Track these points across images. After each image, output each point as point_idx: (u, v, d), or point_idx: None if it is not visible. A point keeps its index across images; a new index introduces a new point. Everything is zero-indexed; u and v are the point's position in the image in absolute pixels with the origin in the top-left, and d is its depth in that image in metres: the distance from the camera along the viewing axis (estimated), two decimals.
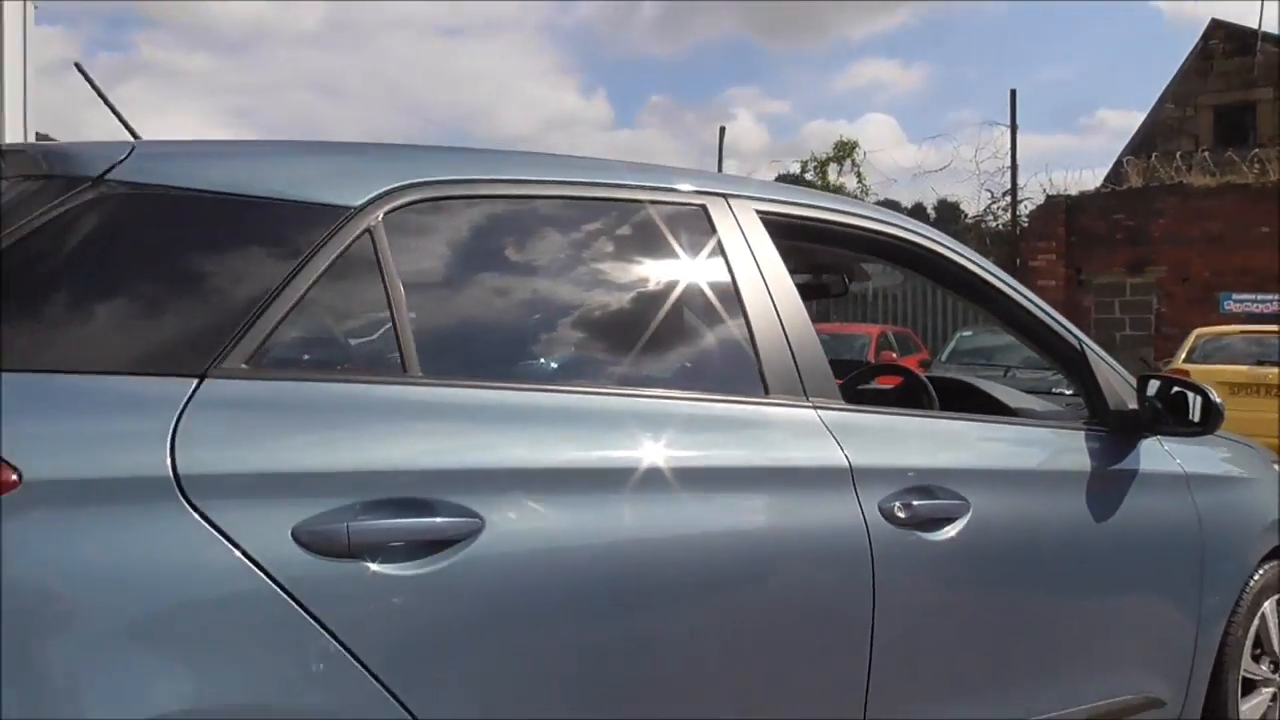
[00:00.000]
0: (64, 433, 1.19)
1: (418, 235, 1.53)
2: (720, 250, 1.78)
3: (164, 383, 1.26)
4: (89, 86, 1.86)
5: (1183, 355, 8.83)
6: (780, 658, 1.67)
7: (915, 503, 1.80)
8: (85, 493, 1.17)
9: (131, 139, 1.68)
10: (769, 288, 1.80)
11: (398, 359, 1.43)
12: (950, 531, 1.85)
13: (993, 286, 2.21)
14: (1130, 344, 13.01)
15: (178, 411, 1.24)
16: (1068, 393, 3.21)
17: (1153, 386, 2.33)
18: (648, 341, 1.70)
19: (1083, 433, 2.24)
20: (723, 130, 17.74)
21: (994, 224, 16.45)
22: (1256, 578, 2.49)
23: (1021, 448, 2.17)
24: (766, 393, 1.74)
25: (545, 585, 1.42)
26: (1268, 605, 2.55)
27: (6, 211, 1.32)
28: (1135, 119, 19.00)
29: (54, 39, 12.06)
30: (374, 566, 1.29)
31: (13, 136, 12.31)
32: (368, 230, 1.45)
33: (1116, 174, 16.11)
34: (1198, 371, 8.31)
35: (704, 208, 1.80)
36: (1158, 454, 2.32)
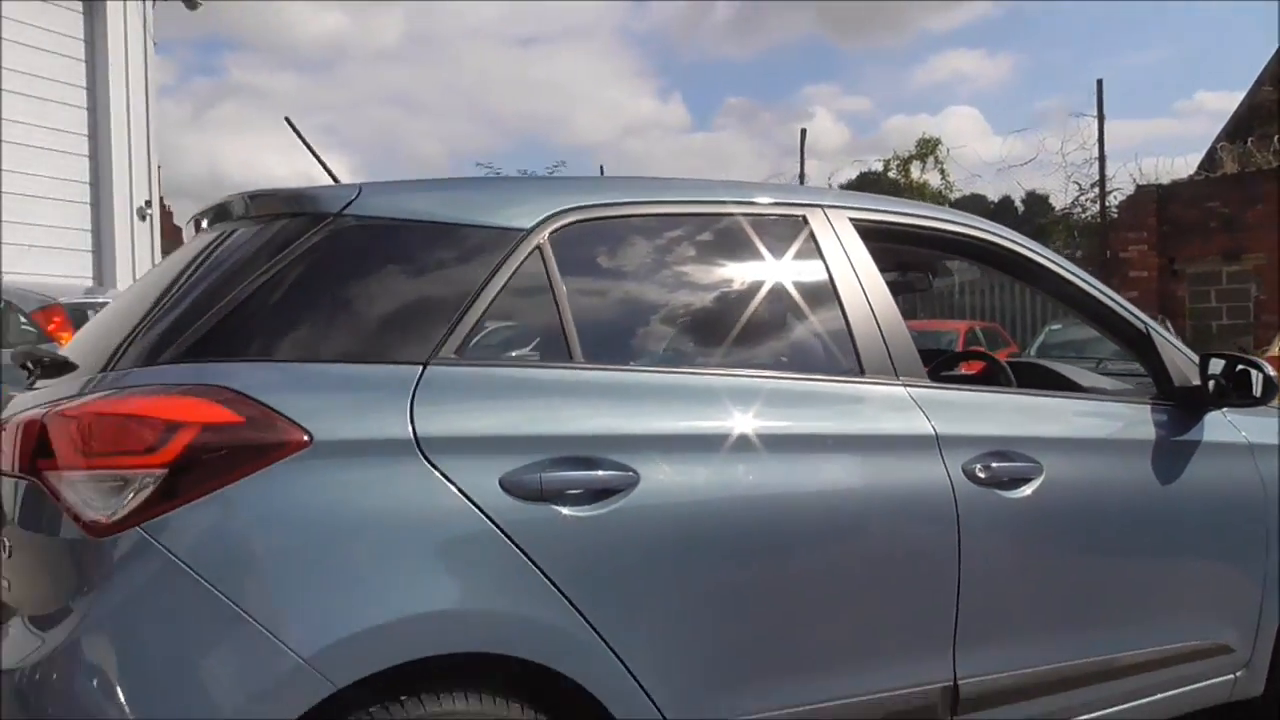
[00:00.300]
0: (336, 406, 1.59)
1: (576, 249, 1.90)
2: (820, 253, 2.11)
3: (400, 369, 1.66)
4: (297, 138, 2.29)
5: (1278, 345, 8.73)
6: (881, 593, 1.99)
7: (994, 465, 2.10)
8: (353, 449, 1.57)
9: (332, 179, 2.10)
10: (862, 284, 2.13)
11: (565, 348, 1.81)
12: (1026, 490, 2.14)
13: (1060, 276, 2.49)
14: (1228, 333, 12.75)
15: (411, 390, 1.64)
16: None
17: (1215, 365, 2.57)
18: (763, 331, 2.05)
19: (1149, 407, 2.50)
20: (804, 133, 17.91)
21: (1083, 215, 16.25)
22: None
23: (1090, 419, 2.44)
24: (862, 373, 2.07)
25: (688, 527, 1.78)
26: None
27: (276, 241, 1.74)
28: (1235, 100, 18.43)
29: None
30: (558, 509, 1.66)
31: (138, 161, 13.21)
32: (538, 247, 1.83)
33: (1211, 161, 15.73)
34: None
35: (804, 218, 2.14)
36: (1222, 425, 2.56)
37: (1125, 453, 2.41)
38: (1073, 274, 2.54)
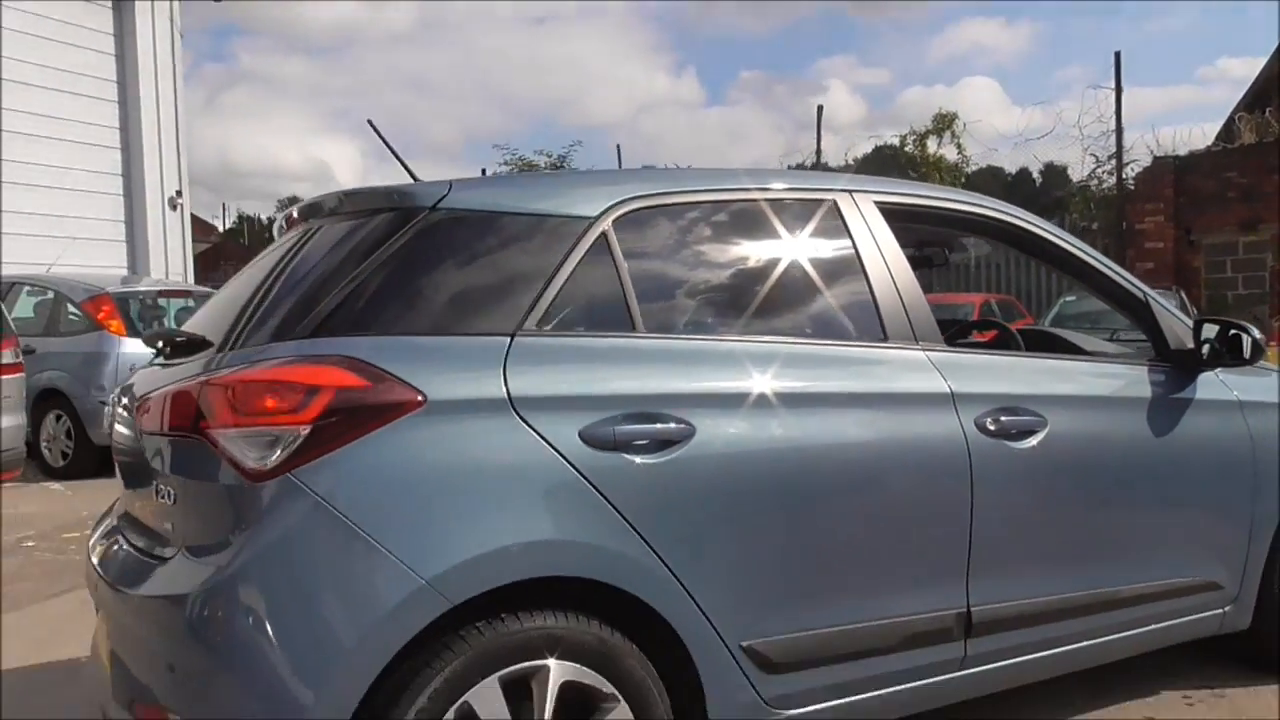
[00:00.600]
0: (443, 372, 1.89)
1: (635, 233, 2.18)
2: (848, 233, 2.39)
3: (492, 340, 1.95)
4: (379, 140, 2.57)
5: None
6: (903, 531, 2.28)
7: (1003, 418, 2.38)
8: (458, 407, 1.87)
9: (412, 178, 2.38)
10: (885, 259, 2.40)
11: (628, 319, 2.09)
12: (1032, 441, 2.42)
13: (1065, 250, 2.76)
14: (1243, 303, 12.90)
15: (503, 357, 1.93)
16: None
17: (1209, 330, 2.83)
18: (797, 302, 2.32)
19: (1147, 368, 2.77)
20: (820, 109, 18.12)
21: (1100, 188, 16.35)
22: None
23: (1091, 378, 2.71)
24: (886, 338, 2.35)
25: (737, 472, 2.07)
26: None
27: (380, 232, 2.03)
28: (1258, 66, 18.39)
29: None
30: (629, 457, 1.96)
31: (168, 152, 13.51)
32: (603, 233, 2.12)
33: (1229, 131, 15.79)
34: None
35: (835, 202, 2.42)
36: (1214, 384, 2.82)
37: (1124, 408, 2.68)
38: (1077, 248, 2.81)
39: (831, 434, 2.19)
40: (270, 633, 1.72)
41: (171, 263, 13.49)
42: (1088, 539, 2.57)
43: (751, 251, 2.35)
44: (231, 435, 1.79)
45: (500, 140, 46.76)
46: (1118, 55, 15.47)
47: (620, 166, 3.31)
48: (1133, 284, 2.85)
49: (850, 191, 2.47)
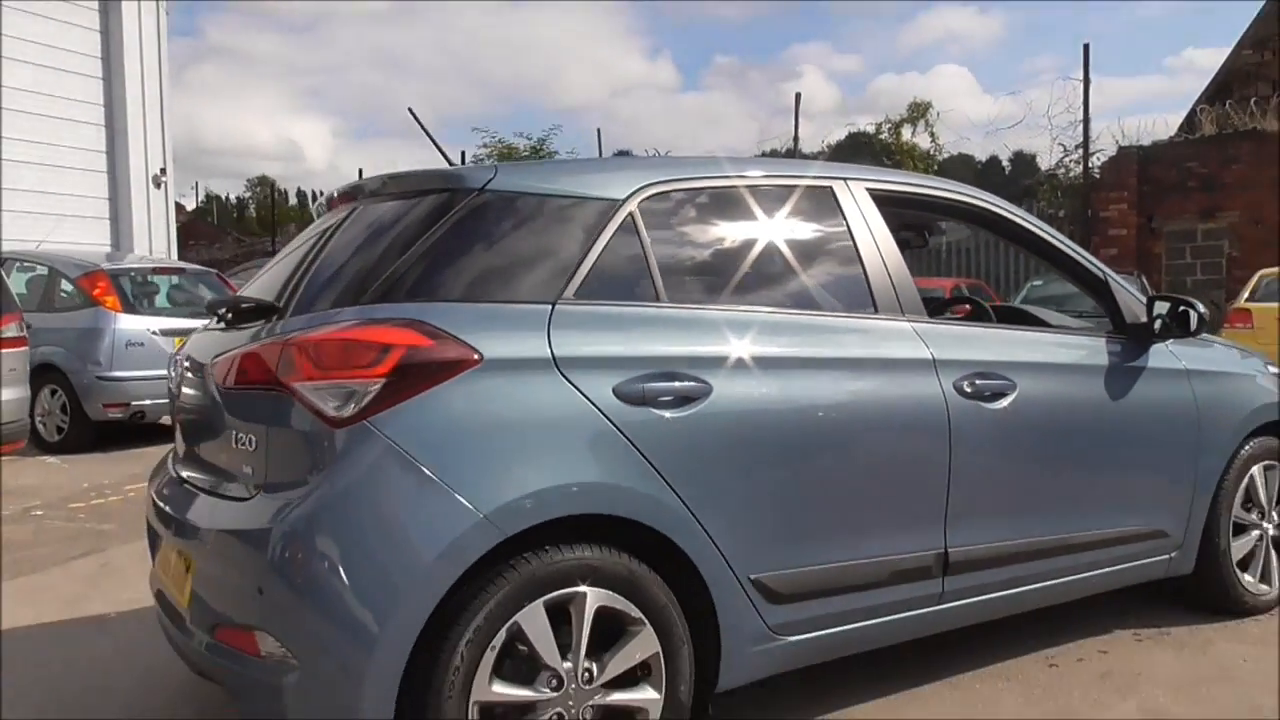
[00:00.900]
0: (496, 333, 2.15)
1: (659, 214, 2.46)
2: (843, 216, 2.68)
3: (536, 307, 2.22)
4: (419, 127, 2.82)
5: (1245, 294, 9.35)
6: (891, 480, 2.58)
7: (978, 382, 2.69)
8: (510, 365, 2.14)
9: (447, 163, 2.64)
10: (875, 240, 2.70)
11: (653, 290, 2.37)
12: (1003, 402, 2.73)
13: (1034, 233, 3.08)
14: (1201, 288, 13.40)
15: (546, 322, 2.20)
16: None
17: (1160, 306, 3.16)
18: (797, 277, 2.61)
19: (1104, 339, 3.09)
20: (798, 97, 18.42)
21: (1067, 176, 16.78)
22: (1247, 448, 3.32)
23: (1056, 348, 3.03)
24: (876, 310, 2.64)
25: (747, 426, 2.35)
26: (1255, 469, 3.38)
27: (434, 210, 2.28)
28: (1222, 56, 18.92)
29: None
30: (655, 411, 2.23)
31: (152, 129, 13.48)
32: (630, 213, 2.39)
33: (1191, 123, 16.26)
34: (1260, 309, 8.88)
35: (831, 188, 2.71)
36: (1164, 354, 3.16)
37: (1085, 375, 3.00)
38: (1045, 232, 3.13)
39: (828, 393, 2.49)
40: (349, 558, 1.98)
41: (155, 240, 13.54)
42: (1051, 490, 2.89)
43: (758, 232, 2.63)
44: (313, 387, 2.05)
45: (478, 123, 46.49)
46: (1086, 47, 15.86)
47: (600, 151, 3.58)
48: (1094, 264, 3.18)
49: (845, 179, 2.76)
